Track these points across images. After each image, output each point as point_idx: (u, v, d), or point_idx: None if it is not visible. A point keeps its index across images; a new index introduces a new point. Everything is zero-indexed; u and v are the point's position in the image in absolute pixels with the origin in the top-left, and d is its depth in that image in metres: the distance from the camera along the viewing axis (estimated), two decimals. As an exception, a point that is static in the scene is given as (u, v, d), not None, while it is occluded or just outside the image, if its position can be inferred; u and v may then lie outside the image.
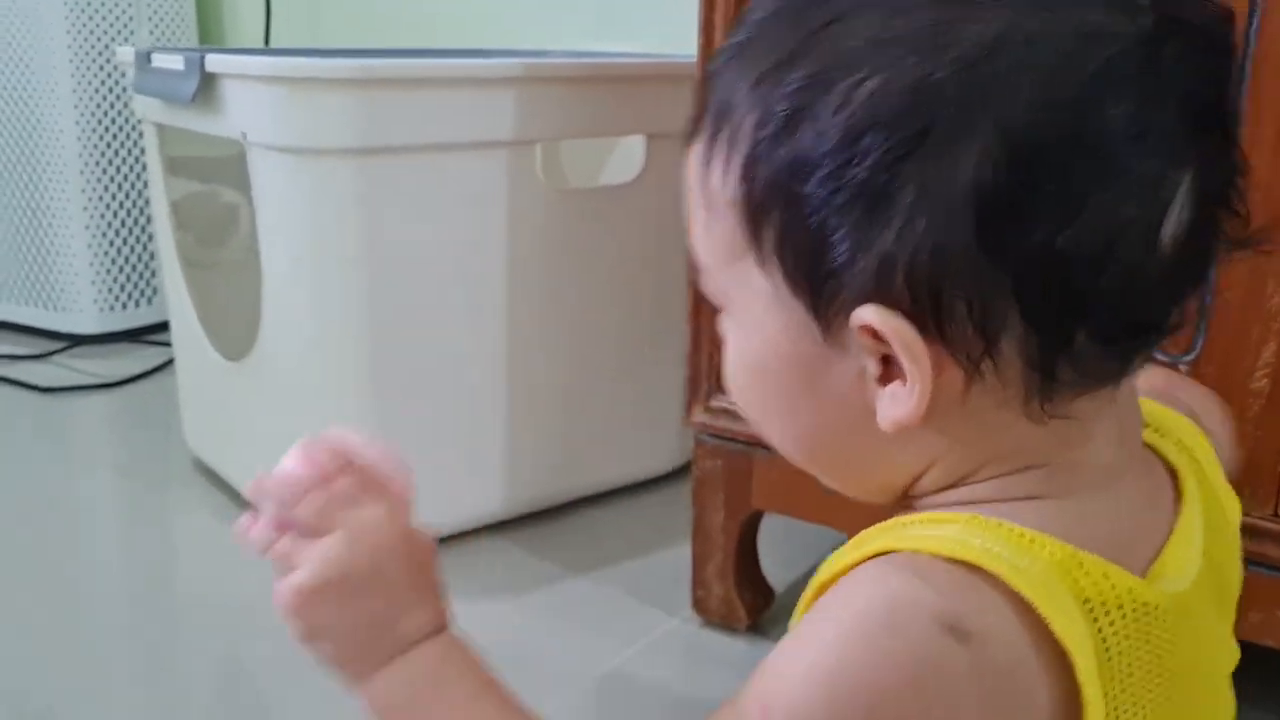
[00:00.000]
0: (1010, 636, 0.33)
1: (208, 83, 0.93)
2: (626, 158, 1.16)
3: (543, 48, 1.36)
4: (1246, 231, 0.35)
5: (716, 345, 0.83)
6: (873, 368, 0.35)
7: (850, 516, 0.80)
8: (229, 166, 1.04)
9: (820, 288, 0.34)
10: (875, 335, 0.34)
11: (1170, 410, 0.43)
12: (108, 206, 1.61)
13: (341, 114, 0.88)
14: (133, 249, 1.65)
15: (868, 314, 0.33)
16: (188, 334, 1.14)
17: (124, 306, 1.66)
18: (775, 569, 0.95)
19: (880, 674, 0.32)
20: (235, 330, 1.04)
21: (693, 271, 0.40)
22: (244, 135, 0.92)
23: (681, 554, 0.94)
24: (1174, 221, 0.33)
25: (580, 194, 1.06)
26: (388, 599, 0.42)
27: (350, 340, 0.94)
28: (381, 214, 0.92)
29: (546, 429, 1.06)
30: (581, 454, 1.09)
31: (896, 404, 0.34)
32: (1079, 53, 0.31)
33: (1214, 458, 0.42)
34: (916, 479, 0.38)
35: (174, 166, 1.10)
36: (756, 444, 0.84)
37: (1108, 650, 0.34)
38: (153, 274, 1.68)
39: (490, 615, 0.94)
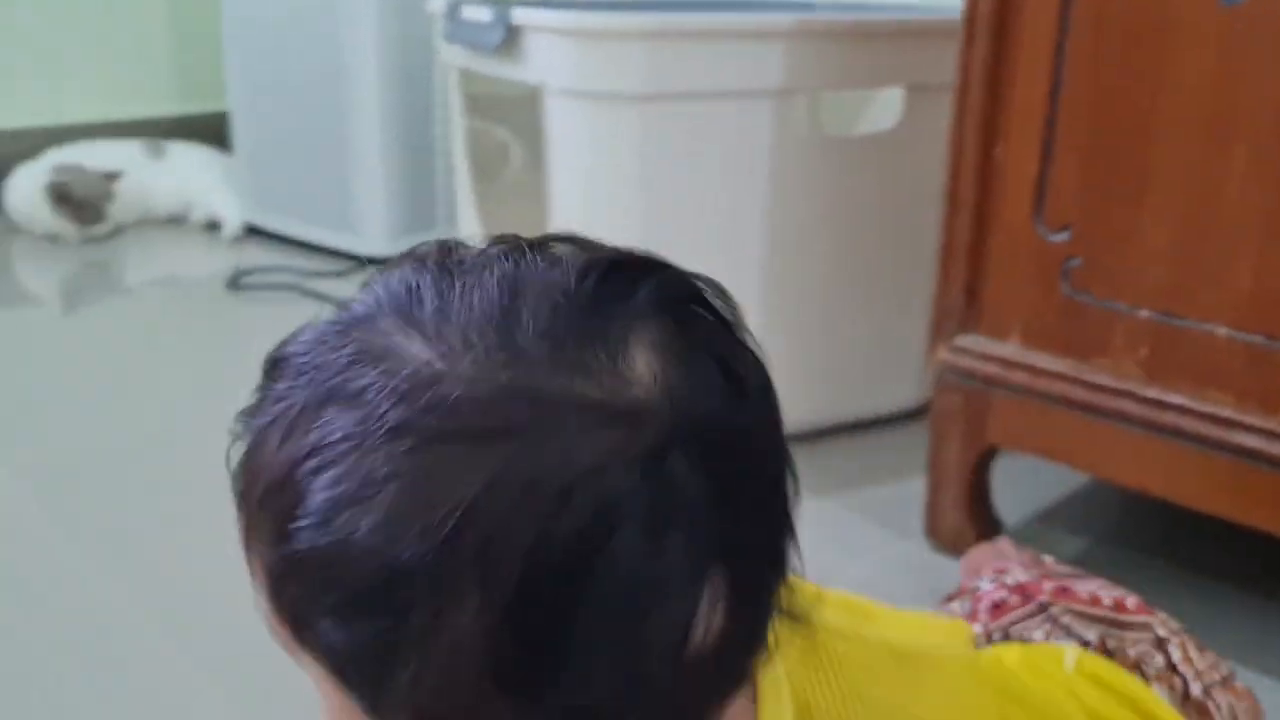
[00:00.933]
0: None
1: (512, 34, 1.05)
2: (882, 108, 1.21)
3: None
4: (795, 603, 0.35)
5: (962, 289, 0.89)
6: None
7: (1083, 454, 0.85)
8: (521, 106, 1.16)
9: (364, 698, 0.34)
10: None
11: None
12: (400, 143, 1.79)
13: (630, 63, 0.98)
14: (418, 181, 1.82)
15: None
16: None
17: (410, 233, 1.84)
18: (1005, 505, 1.01)
19: None
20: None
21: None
22: (542, 81, 1.03)
23: (913, 487, 1.01)
24: (703, 628, 0.32)
25: (841, 141, 1.12)
26: None
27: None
28: (659, 153, 1.01)
29: (794, 362, 1.14)
30: (825, 388, 1.17)
31: None
32: (563, 488, 0.30)
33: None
34: None
35: (473, 105, 1.23)
36: (996, 383, 0.89)
37: None
38: (433, 205, 1.85)
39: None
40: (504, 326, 0.33)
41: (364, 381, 0.33)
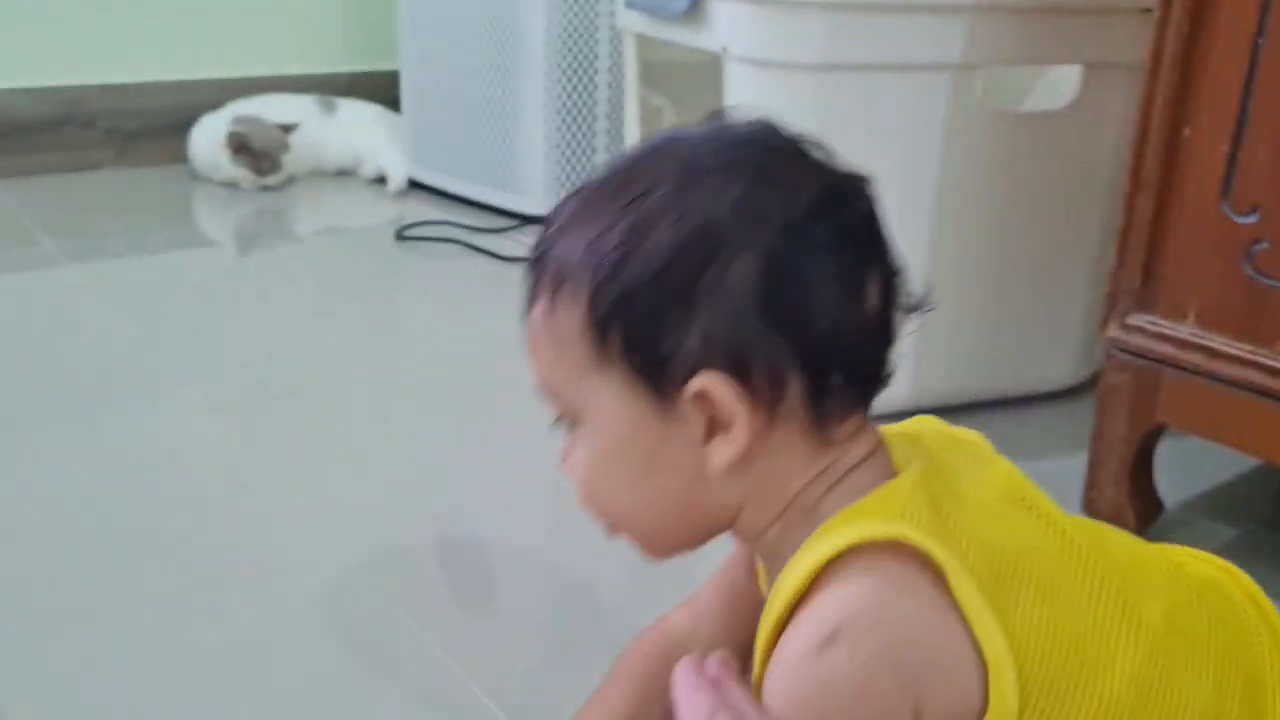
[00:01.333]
0: (873, 584, 0.47)
1: (696, 2, 1.08)
2: (1055, 85, 1.21)
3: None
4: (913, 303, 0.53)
5: (1139, 268, 0.89)
6: (699, 430, 0.49)
7: (1256, 439, 0.85)
8: (676, 73, 1.19)
9: (657, 375, 0.49)
10: (703, 399, 0.47)
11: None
12: (563, 105, 1.84)
13: (810, 33, 1.00)
14: (579, 143, 1.87)
15: (697, 382, 0.48)
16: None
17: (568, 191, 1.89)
18: (1166, 486, 1.01)
19: (805, 710, 0.46)
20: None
21: (546, 394, 0.54)
22: (724, 49, 1.06)
23: (1068, 463, 1.02)
24: (870, 299, 0.51)
25: (1015, 117, 1.13)
26: None
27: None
28: (834, 122, 1.02)
29: (957, 333, 1.16)
30: (987, 360, 1.18)
31: (724, 449, 0.49)
32: (792, 206, 0.49)
33: (944, 424, 0.61)
34: (737, 516, 0.52)
35: (649, 76, 1.27)
36: (1169, 363, 0.89)
37: (922, 519, 0.48)
38: (592, 167, 1.89)
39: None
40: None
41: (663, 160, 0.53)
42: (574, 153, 1.87)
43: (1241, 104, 0.81)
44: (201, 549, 0.93)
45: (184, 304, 1.53)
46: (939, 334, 1.14)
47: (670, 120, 1.37)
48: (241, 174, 2.02)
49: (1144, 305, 0.90)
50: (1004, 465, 0.57)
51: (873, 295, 0.51)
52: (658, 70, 1.23)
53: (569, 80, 1.83)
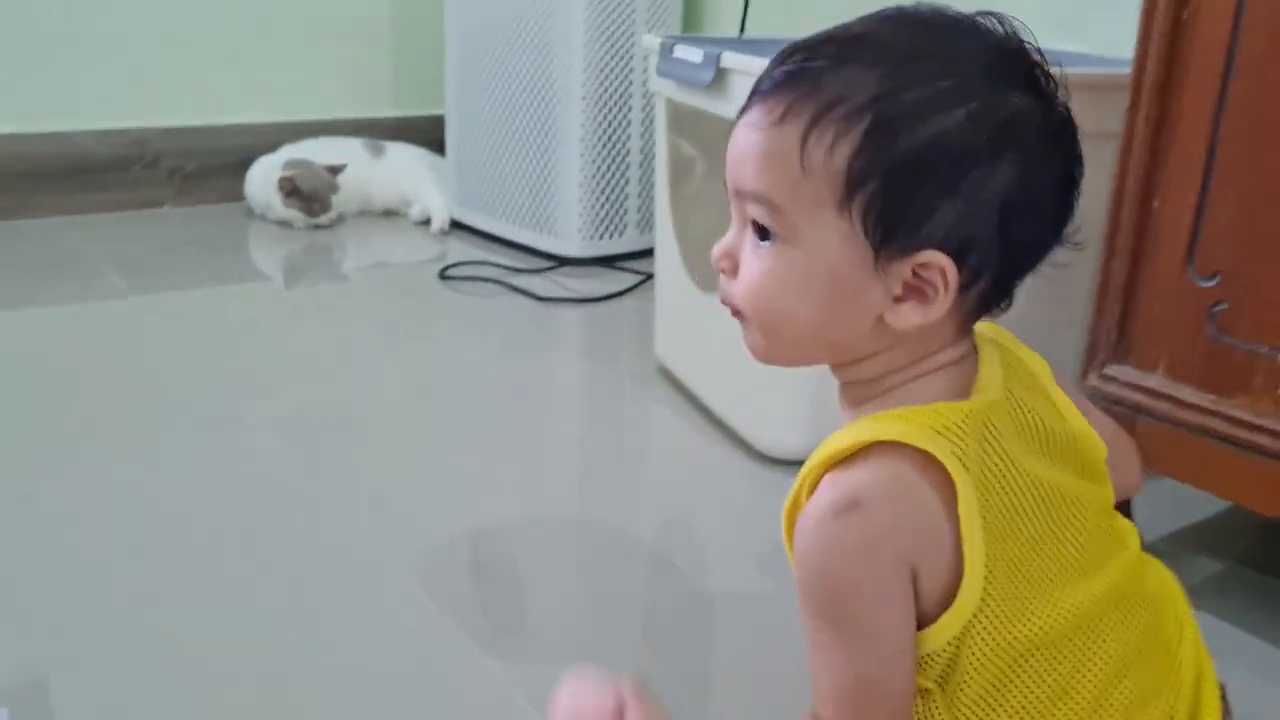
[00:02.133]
0: (888, 474, 0.54)
1: (720, 75, 1.19)
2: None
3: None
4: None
5: (1114, 324, 0.99)
6: (897, 289, 0.56)
7: (1221, 482, 0.94)
8: (706, 124, 1.30)
9: (893, 237, 0.55)
10: (924, 271, 0.55)
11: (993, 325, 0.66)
12: (598, 156, 1.95)
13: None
14: (612, 192, 1.99)
15: (927, 256, 0.55)
16: (670, 264, 1.42)
17: (601, 237, 2.00)
18: (1148, 523, 1.10)
19: (820, 575, 0.56)
20: (710, 269, 1.31)
21: (753, 201, 0.58)
22: (745, 117, 1.17)
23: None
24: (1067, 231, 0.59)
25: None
26: None
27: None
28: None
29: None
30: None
31: (913, 315, 0.56)
32: (1046, 126, 0.56)
33: (1015, 341, 0.67)
34: (862, 361, 0.60)
35: (678, 131, 1.38)
36: (1142, 410, 0.98)
37: (956, 445, 0.55)
38: (624, 213, 2.01)
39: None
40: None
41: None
42: (608, 199, 1.99)
43: (1204, 180, 0.91)
44: (265, 564, 1.04)
45: (241, 334, 1.65)
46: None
47: (701, 169, 1.47)
48: (293, 214, 2.15)
49: (1119, 357, 0.99)
50: (1046, 404, 0.64)
51: (1071, 223, 0.59)
52: (689, 120, 1.33)
53: (604, 129, 1.95)
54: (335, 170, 2.17)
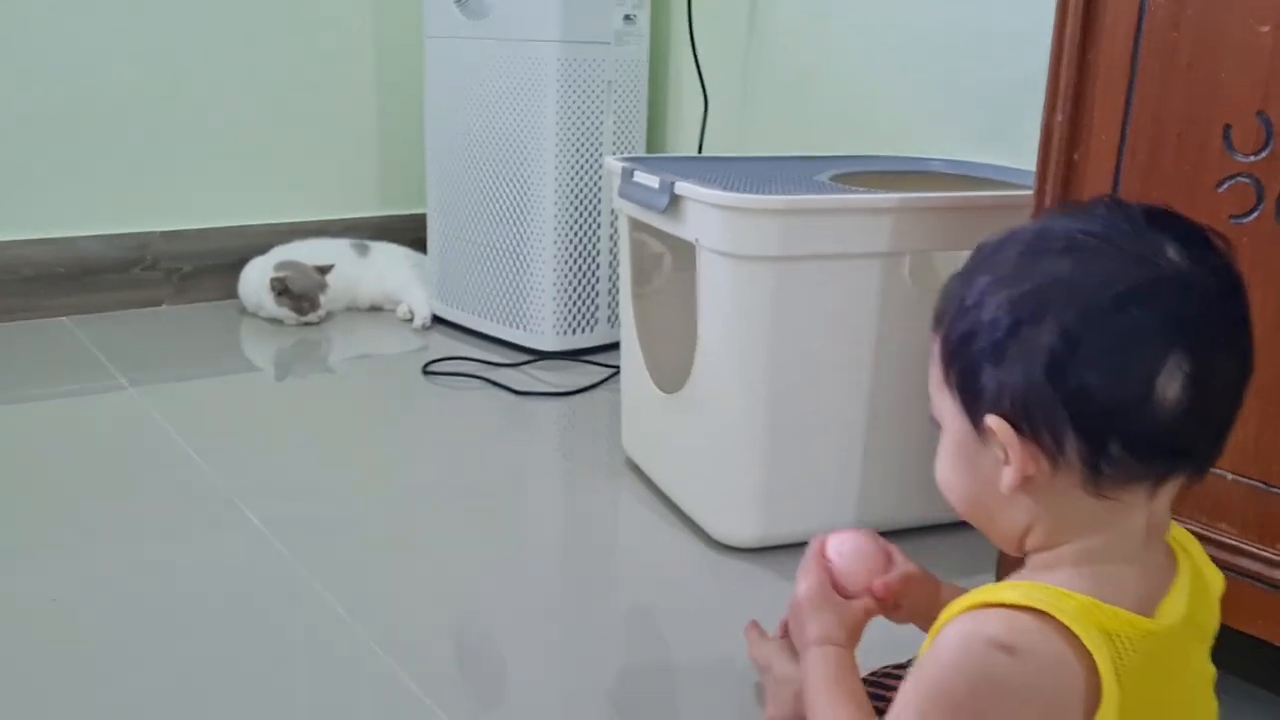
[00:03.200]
0: (1048, 647, 0.58)
1: (675, 200, 1.33)
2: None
3: (925, 154, 1.66)
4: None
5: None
6: (1001, 455, 0.62)
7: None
8: (673, 247, 1.44)
9: (971, 406, 0.63)
10: (992, 433, 0.62)
11: (1175, 525, 0.68)
12: (570, 257, 2.09)
13: (766, 231, 1.24)
14: (584, 290, 2.12)
15: (990, 420, 0.61)
16: (634, 368, 1.55)
17: (574, 332, 2.13)
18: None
19: (953, 682, 0.59)
20: (669, 369, 1.44)
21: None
22: (697, 240, 1.30)
23: (986, 580, 1.23)
24: (1164, 386, 0.57)
25: (935, 293, 1.36)
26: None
27: (759, 390, 1.30)
28: (788, 301, 1.27)
29: (894, 469, 1.38)
30: (920, 492, 1.39)
31: (1005, 475, 0.61)
32: (1105, 289, 0.58)
33: (1202, 551, 0.69)
34: (1025, 534, 0.64)
35: (640, 244, 1.51)
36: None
37: (1120, 656, 0.58)
38: (595, 309, 2.14)
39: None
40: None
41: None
42: (579, 295, 2.12)
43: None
44: (251, 657, 1.14)
45: (233, 426, 1.77)
46: (881, 468, 1.37)
47: (661, 277, 1.60)
48: (284, 312, 2.27)
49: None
50: (1210, 617, 0.67)
51: (1171, 381, 0.57)
52: (650, 232, 1.46)
53: (575, 232, 2.09)
54: (324, 270, 2.30)
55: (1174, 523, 0.68)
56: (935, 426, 0.68)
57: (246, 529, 1.39)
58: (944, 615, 0.63)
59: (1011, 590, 0.61)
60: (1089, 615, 0.59)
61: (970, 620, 0.61)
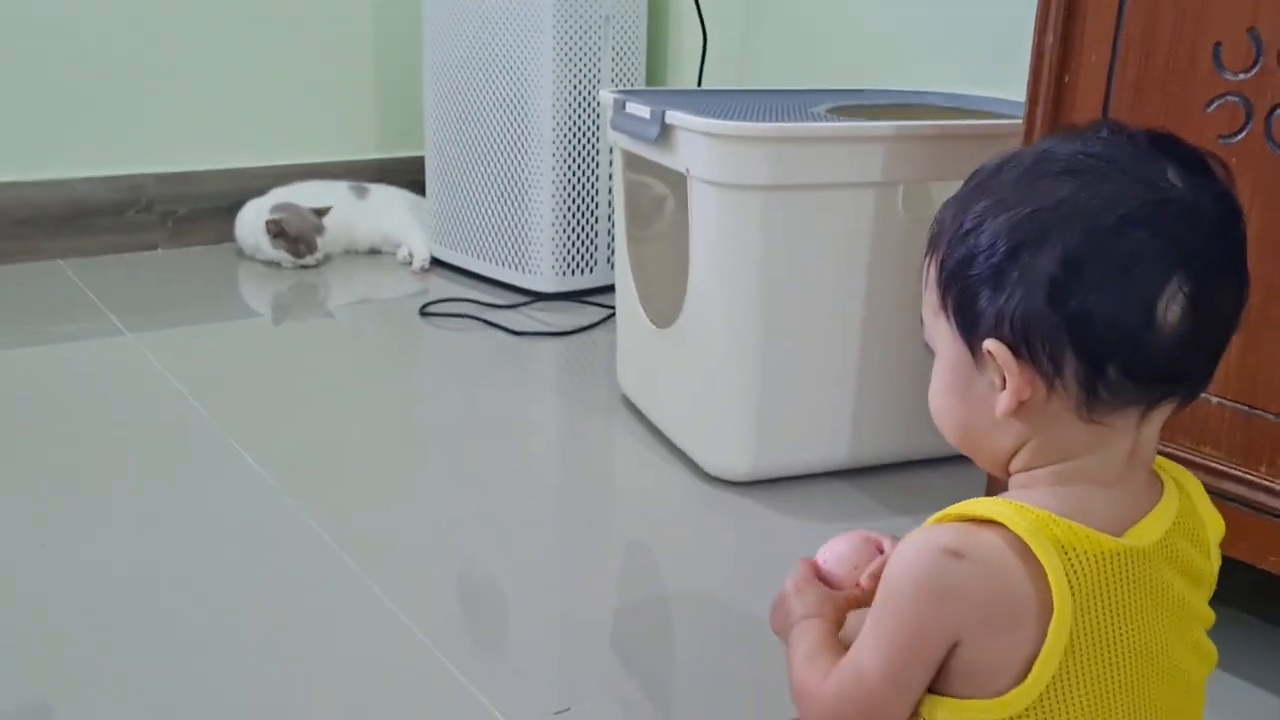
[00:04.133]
0: (998, 556, 0.58)
1: (665, 130, 1.31)
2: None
3: (923, 88, 1.64)
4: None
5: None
6: (997, 380, 0.61)
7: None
8: (674, 187, 1.42)
9: (969, 331, 0.62)
10: (991, 357, 0.60)
11: (1179, 466, 0.67)
12: (568, 197, 2.07)
13: (756, 160, 1.23)
14: (582, 231, 2.11)
15: (989, 344, 0.60)
16: (629, 304, 1.54)
17: (572, 273, 2.12)
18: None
19: (902, 584, 0.60)
20: (663, 306, 1.43)
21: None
22: (687, 169, 1.28)
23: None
24: (1164, 310, 0.57)
25: (926, 222, 1.34)
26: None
27: (749, 323, 1.29)
28: (779, 232, 1.25)
29: (888, 402, 1.37)
30: (914, 425, 1.38)
31: (1000, 400, 0.61)
32: (1106, 212, 0.57)
33: (1203, 493, 0.67)
34: (1012, 456, 0.63)
35: (635, 177, 1.50)
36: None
37: (1074, 570, 0.58)
38: (594, 250, 2.13)
39: (829, 535, 1.26)
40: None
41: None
42: (578, 236, 2.10)
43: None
44: (250, 594, 1.14)
45: (231, 370, 1.76)
46: (875, 402, 1.36)
47: (655, 211, 1.59)
48: (281, 255, 2.26)
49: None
50: (1202, 559, 0.66)
51: (1172, 304, 0.57)
52: (645, 166, 1.44)
53: (573, 171, 2.07)
54: (321, 213, 2.28)
55: (1179, 466, 0.67)
56: (929, 353, 0.67)
57: (243, 469, 1.39)
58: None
59: (972, 505, 0.61)
60: (1044, 528, 0.58)
61: (928, 530, 0.62)
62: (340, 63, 2.50)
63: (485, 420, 1.60)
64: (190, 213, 2.37)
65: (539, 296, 2.11)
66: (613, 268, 2.14)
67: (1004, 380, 0.60)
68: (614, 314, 1.98)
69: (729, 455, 1.35)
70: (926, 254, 0.66)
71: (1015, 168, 0.61)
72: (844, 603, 0.79)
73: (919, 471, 1.41)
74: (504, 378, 1.76)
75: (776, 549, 1.23)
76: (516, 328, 1.94)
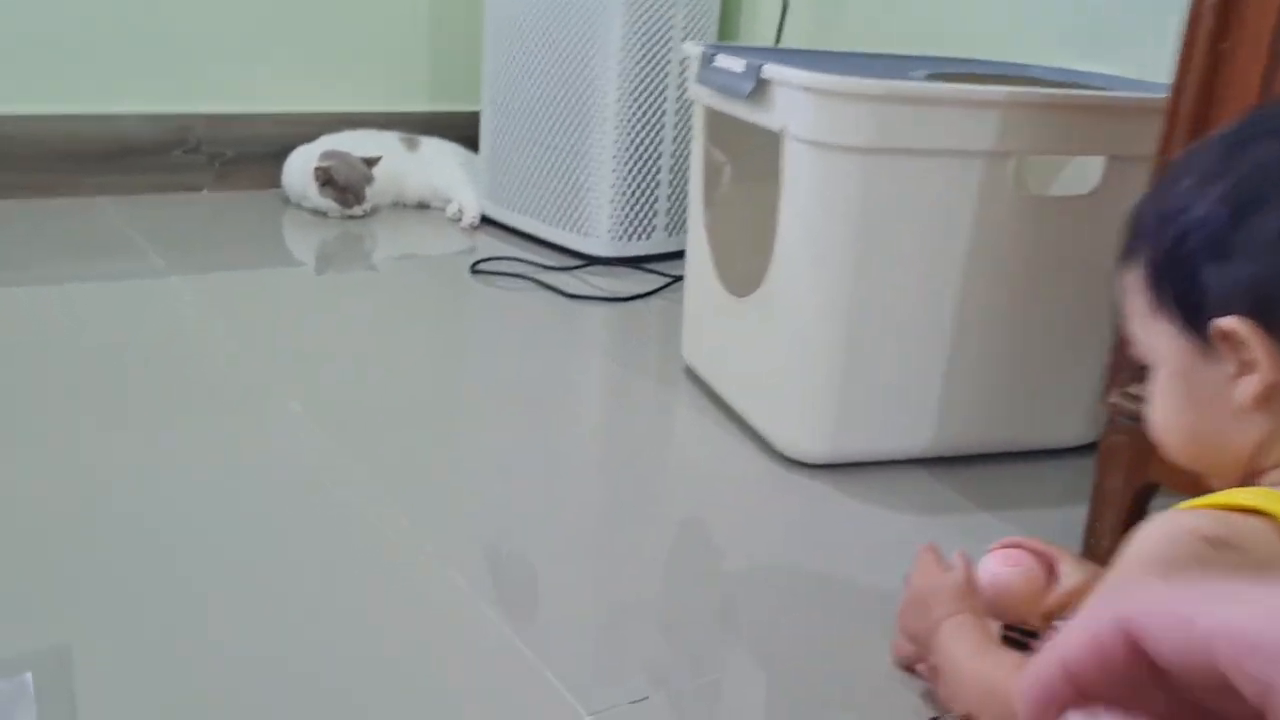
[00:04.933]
0: (1269, 547, 0.53)
1: (761, 85, 1.22)
2: (1076, 170, 1.34)
3: (1027, 62, 1.54)
4: None
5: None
6: (1233, 368, 0.56)
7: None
8: (763, 147, 1.33)
9: (1195, 317, 0.56)
10: (1228, 338, 0.54)
11: None
12: (631, 159, 1.99)
13: (859, 120, 1.14)
14: (643, 195, 2.02)
15: (1226, 323, 0.55)
16: (701, 269, 1.45)
17: (630, 238, 2.04)
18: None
19: (1155, 568, 0.53)
20: (742, 273, 1.34)
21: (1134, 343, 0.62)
22: (783, 128, 1.20)
23: (1073, 513, 1.14)
24: None
25: (1040, 200, 1.25)
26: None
27: (839, 294, 1.20)
28: (878, 199, 1.17)
29: (977, 390, 1.28)
30: (1003, 415, 1.30)
31: (1245, 385, 0.55)
32: None
33: None
34: (1254, 455, 0.58)
35: (715, 137, 1.41)
36: (1160, 428, 1.01)
37: None
38: (653, 215, 2.04)
39: (905, 527, 1.18)
40: None
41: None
42: (639, 200, 2.02)
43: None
44: (291, 542, 1.07)
45: (273, 316, 1.69)
46: (963, 388, 1.27)
47: (736, 174, 1.50)
48: (328, 204, 2.18)
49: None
50: None
51: None
52: (727, 126, 1.36)
53: (637, 133, 1.98)
54: (371, 162, 2.21)
55: None
56: (1140, 365, 0.63)
57: (285, 415, 1.32)
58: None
59: (1232, 494, 0.55)
60: None
61: (1178, 515, 0.55)
62: (396, 11, 2.42)
63: (537, 383, 1.52)
64: (237, 156, 2.30)
65: (593, 261, 2.03)
66: (670, 235, 2.06)
67: (1241, 368, 0.55)
68: (674, 282, 1.90)
69: (806, 435, 1.27)
70: (1124, 262, 0.61)
71: (1214, 145, 0.58)
72: (979, 595, 0.72)
73: (1004, 465, 1.32)
74: (557, 341, 1.69)
75: (854, 537, 1.15)
76: (570, 290, 1.86)
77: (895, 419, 1.27)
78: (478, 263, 1.97)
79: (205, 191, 2.29)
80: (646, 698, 0.88)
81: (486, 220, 2.24)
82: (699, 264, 1.46)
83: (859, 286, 1.20)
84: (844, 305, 1.21)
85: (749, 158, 1.43)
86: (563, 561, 1.08)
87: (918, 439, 1.29)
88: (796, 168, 1.20)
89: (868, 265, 1.19)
